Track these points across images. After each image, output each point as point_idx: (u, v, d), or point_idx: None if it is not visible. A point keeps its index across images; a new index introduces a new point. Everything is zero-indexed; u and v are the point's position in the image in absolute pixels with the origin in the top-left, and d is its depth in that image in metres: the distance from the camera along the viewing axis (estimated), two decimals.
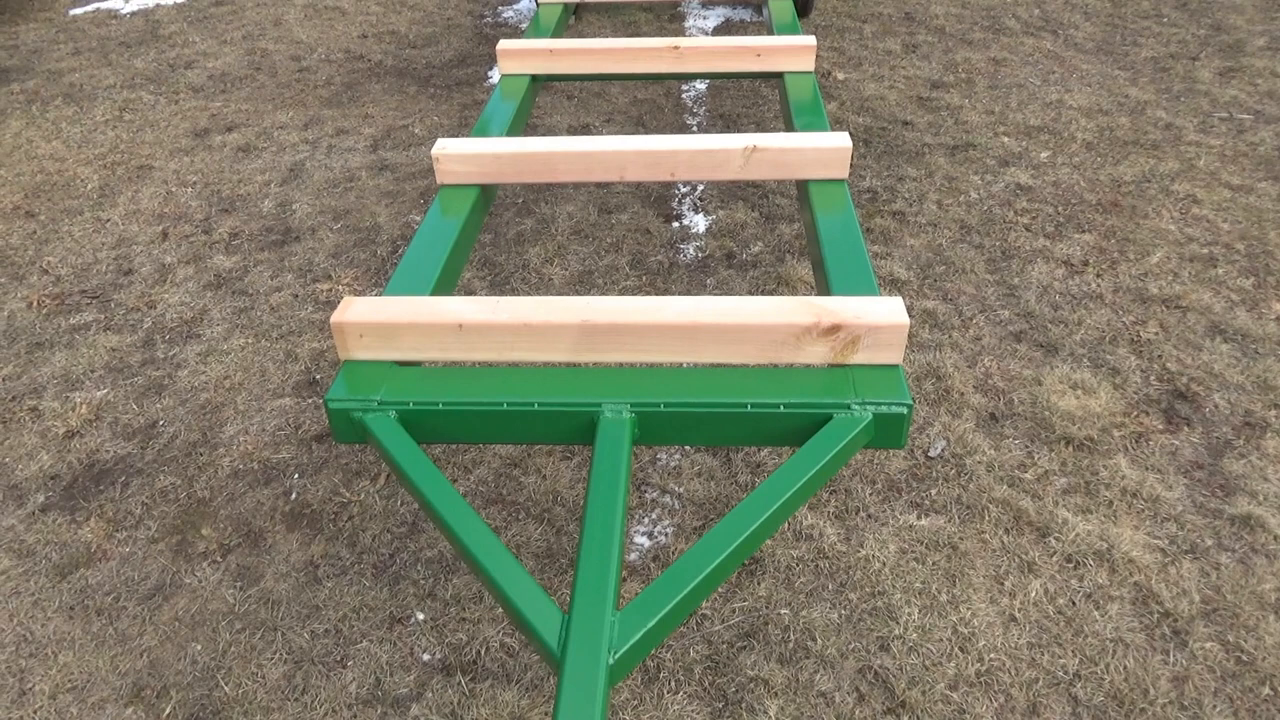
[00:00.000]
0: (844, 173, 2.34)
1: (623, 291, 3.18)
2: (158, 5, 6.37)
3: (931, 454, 2.48)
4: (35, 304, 3.28)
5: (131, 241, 3.63)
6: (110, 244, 3.62)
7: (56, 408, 2.80)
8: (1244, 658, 1.96)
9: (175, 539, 2.35)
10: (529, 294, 3.12)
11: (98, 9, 6.35)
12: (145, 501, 2.46)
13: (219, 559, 2.29)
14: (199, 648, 2.08)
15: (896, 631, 2.03)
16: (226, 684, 2.00)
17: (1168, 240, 3.35)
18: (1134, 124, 4.19)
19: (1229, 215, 3.48)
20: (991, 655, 1.97)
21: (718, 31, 5.50)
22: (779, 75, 3.08)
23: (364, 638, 2.08)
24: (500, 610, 2.12)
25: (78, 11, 6.32)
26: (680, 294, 3.11)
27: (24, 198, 3.98)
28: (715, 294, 3.12)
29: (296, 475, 2.52)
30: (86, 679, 2.02)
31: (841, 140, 2.33)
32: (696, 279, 3.24)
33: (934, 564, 2.18)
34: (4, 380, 2.92)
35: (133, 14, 6.25)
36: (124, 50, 5.62)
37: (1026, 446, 2.50)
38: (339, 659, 2.04)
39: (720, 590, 2.15)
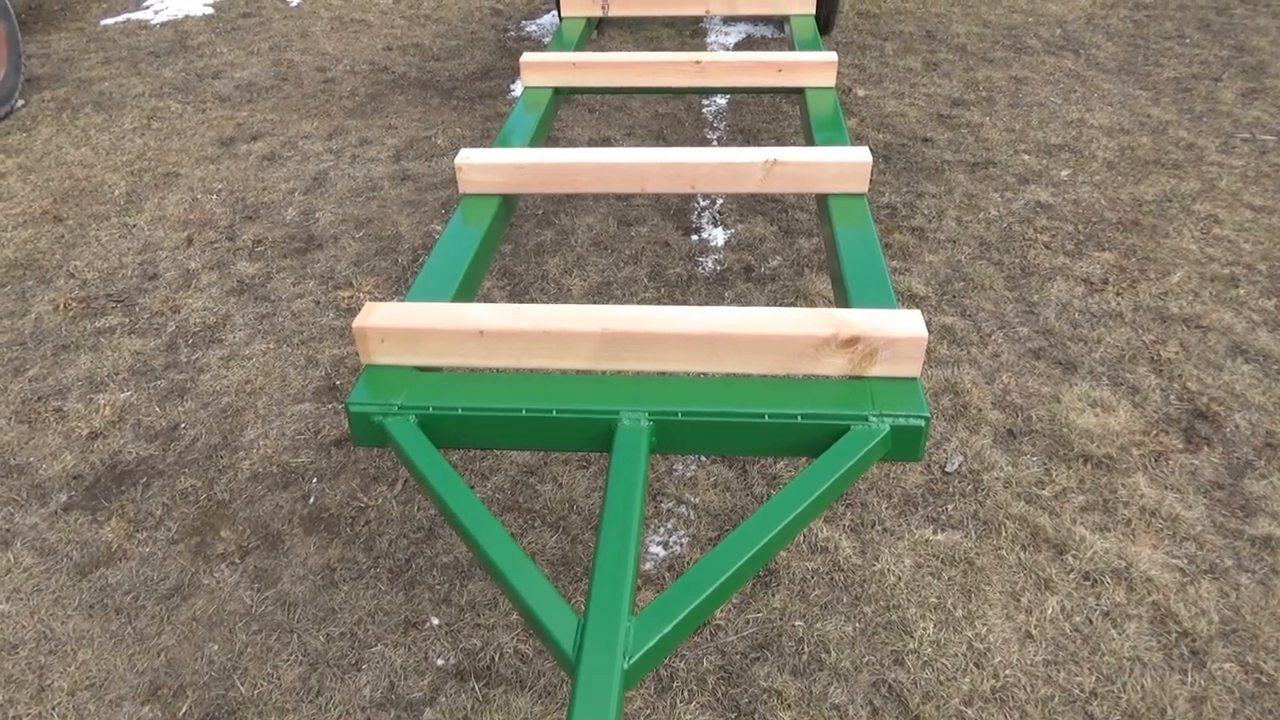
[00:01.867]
0: (864, 187, 2.35)
1: (641, 303, 3.20)
2: (186, 16, 6.47)
3: (948, 469, 2.47)
4: (62, 307, 3.33)
5: (157, 247, 3.68)
6: (136, 249, 3.67)
7: (80, 409, 2.83)
8: (1263, 679, 1.94)
9: (194, 540, 2.38)
10: (549, 303, 3.14)
11: (128, 19, 6.45)
12: (166, 503, 2.49)
13: (237, 561, 2.31)
14: (216, 648, 2.10)
15: (911, 646, 2.03)
16: (242, 684, 2.01)
17: (1189, 260, 3.33)
18: (1155, 144, 4.18)
19: (1251, 236, 3.47)
20: (1007, 671, 1.96)
21: (739, 47, 5.53)
22: (800, 90, 3.10)
23: (379, 641, 2.09)
24: (515, 616, 2.13)
25: (108, 22, 6.43)
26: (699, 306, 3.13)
27: (53, 203, 4.05)
28: (734, 306, 3.13)
29: (315, 479, 2.54)
30: (105, 677, 2.04)
31: (861, 155, 2.34)
32: (715, 292, 3.25)
33: (950, 579, 2.17)
34: (30, 381, 2.97)
35: (162, 25, 6.35)
36: (153, 60, 5.70)
37: (1044, 463, 2.49)
38: (354, 662, 2.05)
39: (734, 601, 2.14)
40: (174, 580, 2.27)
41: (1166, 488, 2.40)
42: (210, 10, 6.58)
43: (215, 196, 4.05)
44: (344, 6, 6.55)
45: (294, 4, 6.65)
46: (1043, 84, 4.84)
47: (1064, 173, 3.96)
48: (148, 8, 6.67)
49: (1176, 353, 2.87)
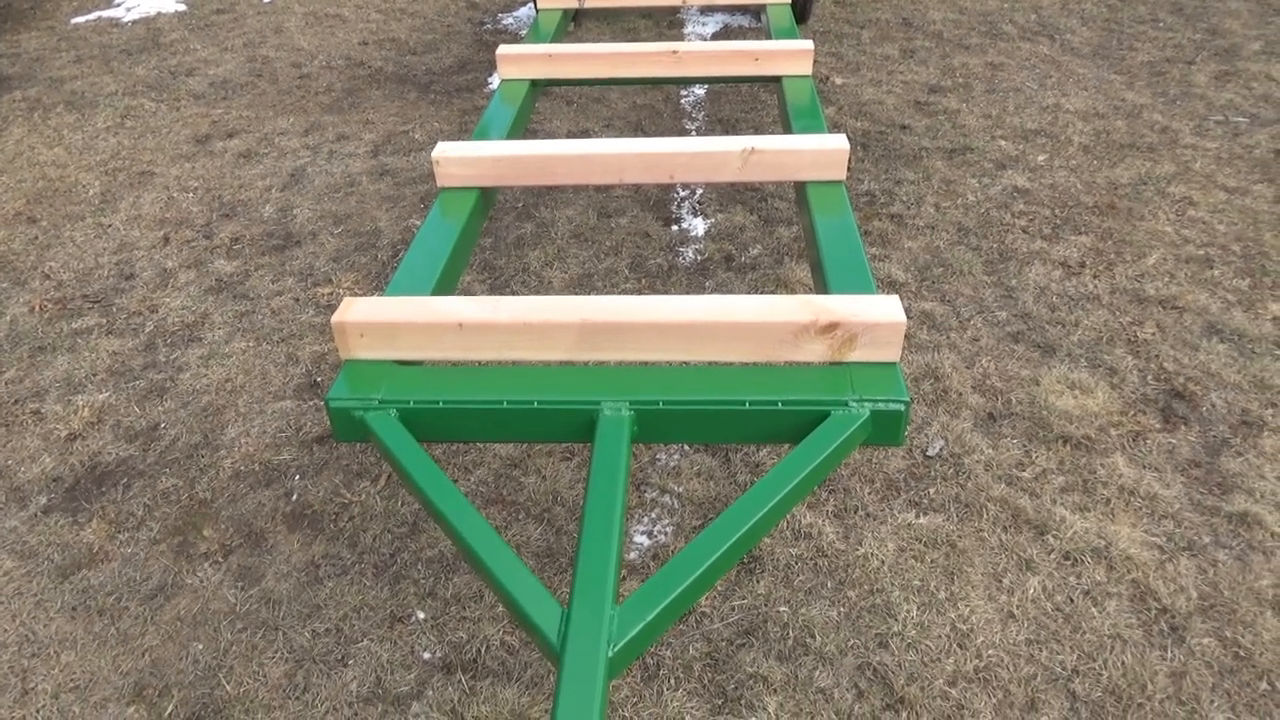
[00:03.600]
0: (841, 174, 2.36)
1: (622, 294, 3.20)
2: (159, 13, 6.40)
3: (930, 453, 2.49)
4: (38, 309, 3.30)
5: (133, 247, 3.65)
6: (112, 249, 3.64)
7: (59, 411, 2.81)
8: (1241, 653, 1.97)
9: (177, 540, 2.36)
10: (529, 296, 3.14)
11: (99, 17, 6.38)
12: (147, 503, 2.47)
13: (220, 559, 2.30)
14: (200, 647, 2.09)
15: (895, 628, 2.04)
16: (228, 683, 2.01)
17: (1164, 242, 3.36)
18: (1130, 127, 4.21)
19: (1225, 217, 3.50)
20: (990, 652, 1.98)
21: (716, 37, 5.52)
22: (777, 79, 3.11)
23: (365, 636, 2.09)
24: (501, 608, 2.13)
25: (79, 20, 6.35)
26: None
27: (26, 204, 4.00)
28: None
29: (297, 476, 2.53)
30: (89, 678, 2.03)
31: (839, 142, 2.35)
32: (695, 281, 3.26)
33: (932, 562, 2.19)
34: (6, 384, 2.94)
35: (134, 22, 6.28)
36: (125, 58, 5.64)
37: (1024, 445, 2.51)
38: (340, 658, 2.05)
39: (719, 588, 2.15)
40: (157, 580, 2.26)
41: (1145, 467, 2.43)
42: (183, 7, 6.51)
43: (191, 195, 4.02)
44: (318, 1, 6.50)
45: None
46: (1018, 69, 4.86)
47: (1040, 157, 3.98)
48: (119, 5, 6.60)
49: (1153, 334, 2.90)
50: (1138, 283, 3.14)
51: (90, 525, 2.41)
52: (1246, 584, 2.11)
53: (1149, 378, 2.73)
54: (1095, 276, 3.19)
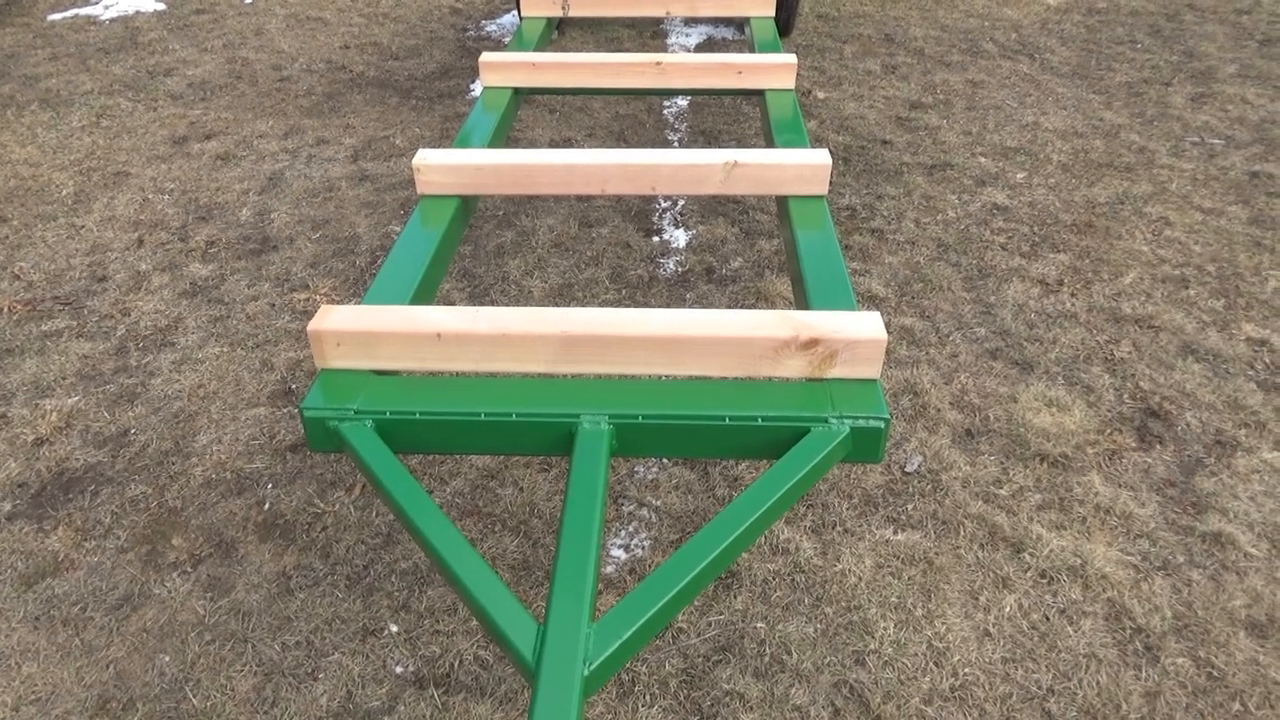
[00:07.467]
0: (823, 189, 2.36)
1: (602, 305, 3.18)
2: (138, 12, 6.33)
3: (908, 469, 2.49)
4: (6, 310, 3.24)
5: (106, 248, 3.59)
6: (84, 250, 3.58)
7: (26, 415, 2.75)
8: (1215, 674, 1.97)
9: (145, 549, 2.32)
10: (509, 306, 3.12)
11: (76, 15, 6.30)
12: (115, 510, 2.43)
13: (189, 569, 2.26)
14: (167, 659, 2.05)
15: (872, 646, 2.04)
16: (195, 696, 1.97)
17: (1141, 261, 3.39)
18: (1108, 147, 4.26)
19: (1200, 237, 3.54)
20: (966, 670, 1.98)
21: (700, 49, 5.53)
22: (760, 93, 3.11)
23: (336, 650, 2.06)
24: (475, 622, 2.11)
25: (56, 17, 6.27)
26: (660, 308, 3.11)
27: None
28: (695, 308, 3.12)
29: (270, 485, 2.50)
30: (51, 691, 1.98)
31: (821, 157, 2.35)
32: (676, 293, 3.25)
33: (910, 579, 2.19)
34: None
35: (112, 20, 6.21)
36: (103, 56, 5.58)
37: (1002, 463, 2.51)
38: (310, 671, 2.01)
39: (696, 604, 2.14)
40: (123, 590, 2.21)
41: (1120, 485, 2.44)
42: (162, 6, 6.45)
43: (167, 196, 3.97)
44: (300, 4, 6.45)
45: (248, 0, 6.54)
46: (999, 88, 4.90)
47: (1020, 175, 4.01)
48: (97, 3, 6.52)
49: (1129, 352, 2.92)
50: (1115, 301, 3.17)
51: (56, 533, 2.36)
52: (1220, 604, 2.12)
53: (1125, 396, 2.75)
54: (1073, 294, 3.21)
